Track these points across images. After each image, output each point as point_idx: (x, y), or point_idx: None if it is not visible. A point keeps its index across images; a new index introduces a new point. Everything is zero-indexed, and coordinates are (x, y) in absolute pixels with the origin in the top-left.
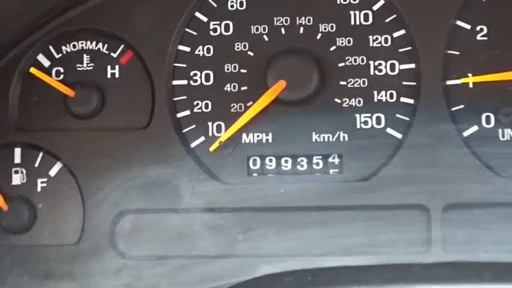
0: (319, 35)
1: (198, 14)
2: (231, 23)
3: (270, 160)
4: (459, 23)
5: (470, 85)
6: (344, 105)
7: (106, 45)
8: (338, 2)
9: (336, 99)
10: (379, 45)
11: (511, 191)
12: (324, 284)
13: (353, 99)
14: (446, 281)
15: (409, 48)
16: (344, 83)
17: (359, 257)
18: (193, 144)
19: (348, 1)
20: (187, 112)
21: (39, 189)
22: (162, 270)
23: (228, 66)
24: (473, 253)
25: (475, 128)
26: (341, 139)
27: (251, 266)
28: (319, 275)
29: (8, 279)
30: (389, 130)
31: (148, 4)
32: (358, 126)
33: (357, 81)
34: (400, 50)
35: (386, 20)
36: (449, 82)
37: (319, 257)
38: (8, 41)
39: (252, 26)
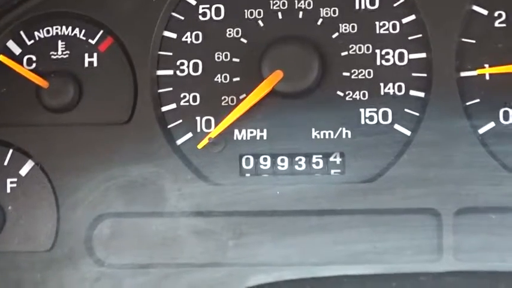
0: (320, 20)
1: None
2: (222, 7)
3: (265, 159)
4: (475, 8)
5: (487, 77)
6: (347, 98)
7: (83, 30)
8: None
9: (339, 92)
10: (387, 32)
11: None
12: None
13: (357, 92)
14: None
15: (420, 35)
16: (347, 74)
17: (363, 266)
18: (179, 141)
19: None
20: (173, 105)
21: (8, 190)
22: (144, 279)
23: (218, 54)
24: (488, 262)
25: (491, 124)
26: (343, 136)
27: (243, 276)
28: (319, 285)
29: None
30: (397, 126)
31: None
32: (362, 122)
33: (361, 72)
34: (409, 38)
35: (395, 4)
36: (463, 74)
37: (319, 266)
38: None
39: (246, 10)
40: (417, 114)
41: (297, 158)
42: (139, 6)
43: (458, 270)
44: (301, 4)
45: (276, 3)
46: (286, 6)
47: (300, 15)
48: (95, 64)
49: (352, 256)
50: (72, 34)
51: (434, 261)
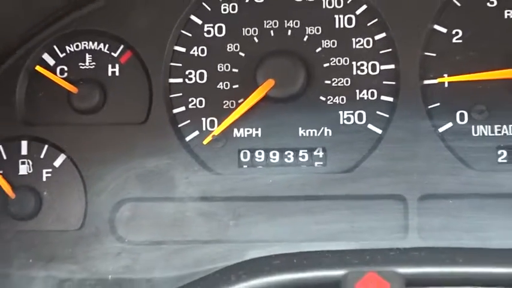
0: (306, 37)
1: (193, 17)
2: (223, 26)
3: (259, 153)
4: (436, 27)
5: (446, 84)
6: (328, 102)
7: (107, 45)
8: (323, 7)
9: (321, 97)
10: (362, 47)
11: (481, 183)
12: (310, 266)
13: (337, 97)
14: (421, 264)
15: (389, 50)
16: (328, 82)
17: (341, 243)
18: (188, 138)
19: (332, 6)
20: (183, 108)
21: (44, 179)
22: (158, 254)
23: (220, 65)
24: (447, 239)
25: (449, 124)
26: (325, 134)
27: (241, 251)
28: (305, 258)
29: (15, 262)
30: (370, 126)
31: (146, 8)
32: (341, 122)
33: (340, 80)
34: (380, 52)
35: (368, 24)
36: (426, 82)
37: (305, 242)
38: (15, 41)
39: (243, 29)
40: (387, 115)
41: (286, 152)
42: (154, 25)
43: (421, 247)
44: (290, 23)
45: (269, 22)
46: (277, 25)
47: (289, 33)
48: (117, 73)
49: (333, 234)
50: (98, 48)
51: (401, 238)
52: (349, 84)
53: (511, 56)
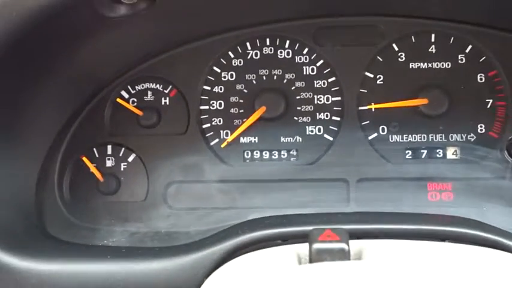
0: (285, 80)
1: (215, 68)
2: (234, 73)
3: (256, 152)
4: (367, 73)
5: (373, 110)
6: (299, 121)
7: (161, 85)
8: (296, 61)
9: (295, 118)
10: (320, 86)
11: (396, 171)
12: (289, 223)
13: (305, 118)
14: (358, 223)
15: (337, 88)
16: (300, 108)
17: (308, 209)
18: (211, 143)
19: (302, 61)
20: (208, 125)
21: (122, 169)
22: (193, 216)
23: (232, 98)
24: (375, 207)
25: (375, 134)
26: (298, 141)
27: (244, 214)
28: (286, 218)
29: (102, 222)
30: (325, 135)
31: (185, 62)
32: (307, 133)
33: (307, 107)
34: (332, 89)
35: (324, 72)
36: (360, 108)
37: (286, 209)
38: (105, 82)
39: (246, 75)
40: (336, 129)
41: (273, 152)
42: (190, 73)
43: (358, 211)
44: (275, 71)
45: (262, 71)
46: (267, 73)
47: (275, 78)
48: (168, 103)
49: (303, 203)
50: (155, 87)
51: (345, 207)
52: (312, 109)
53: (414, 92)
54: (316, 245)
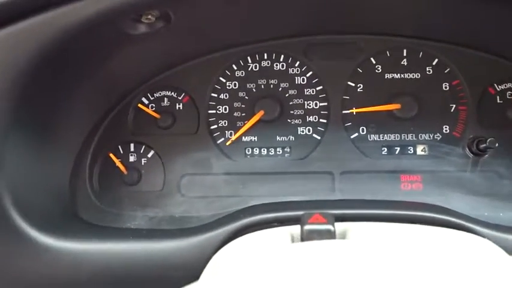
0: (280, 88)
1: (221, 78)
2: (237, 82)
3: (256, 149)
4: (349, 83)
5: (354, 113)
6: (292, 123)
7: (176, 93)
8: (289, 73)
9: (288, 120)
10: (309, 93)
11: (374, 165)
12: (284, 209)
13: (297, 120)
14: (342, 208)
15: (324, 95)
16: (292, 112)
17: (299, 197)
18: (218, 142)
19: (294, 72)
20: (216, 126)
21: (143, 163)
22: (203, 203)
23: (235, 103)
24: (356, 195)
25: (356, 134)
26: (291, 139)
27: (247, 201)
28: (281, 204)
29: (125, 207)
30: (314, 135)
31: (196, 73)
32: (299, 133)
33: (298, 111)
34: (320, 96)
35: (313, 81)
36: (344, 111)
37: (281, 197)
38: (129, 90)
39: (248, 84)
40: (323, 129)
41: (270, 149)
42: (200, 82)
43: (342, 199)
44: (272, 81)
45: (260, 81)
46: (265, 82)
47: (271, 86)
48: (181, 108)
49: (295, 192)
50: (171, 94)
51: (330, 195)
52: (303, 113)
53: (389, 99)
54: (307, 227)
